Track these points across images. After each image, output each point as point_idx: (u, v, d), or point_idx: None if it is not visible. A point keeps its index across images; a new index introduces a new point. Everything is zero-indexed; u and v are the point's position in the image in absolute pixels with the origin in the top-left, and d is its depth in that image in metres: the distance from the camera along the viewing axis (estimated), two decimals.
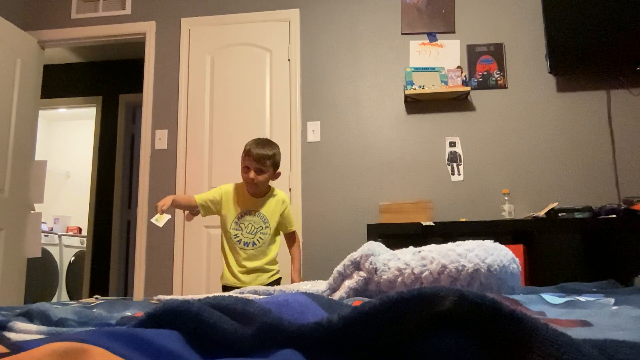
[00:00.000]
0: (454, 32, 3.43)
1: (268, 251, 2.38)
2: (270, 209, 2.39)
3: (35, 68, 3.80)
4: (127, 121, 5.31)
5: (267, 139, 2.43)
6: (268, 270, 2.37)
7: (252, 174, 2.27)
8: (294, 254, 2.48)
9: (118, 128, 5.25)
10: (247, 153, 2.30)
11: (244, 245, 2.33)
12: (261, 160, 2.27)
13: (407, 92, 3.29)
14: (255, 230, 2.35)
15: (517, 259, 1.20)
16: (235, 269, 2.33)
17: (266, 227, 2.37)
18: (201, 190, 3.42)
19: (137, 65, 4.12)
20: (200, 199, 2.35)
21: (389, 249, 1.27)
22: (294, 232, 2.50)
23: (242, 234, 2.34)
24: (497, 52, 3.36)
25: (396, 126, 3.39)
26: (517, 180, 3.21)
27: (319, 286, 1.33)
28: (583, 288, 1.33)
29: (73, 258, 5.58)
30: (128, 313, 1.04)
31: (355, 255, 1.24)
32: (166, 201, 2.20)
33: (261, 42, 3.59)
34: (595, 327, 0.67)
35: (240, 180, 2.38)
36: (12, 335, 0.67)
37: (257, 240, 2.35)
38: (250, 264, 2.33)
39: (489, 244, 1.18)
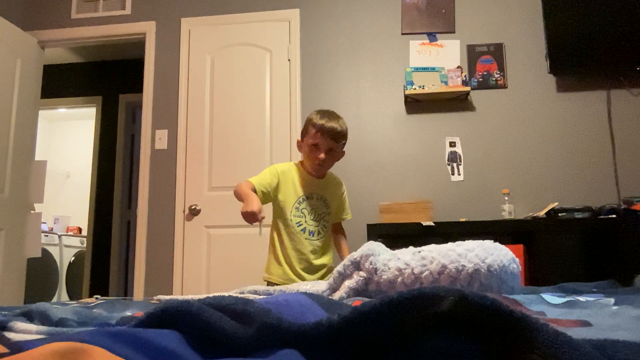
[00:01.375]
0: (454, 32, 3.43)
1: (330, 243, 2.06)
2: (331, 192, 2.08)
3: (35, 68, 3.80)
4: (127, 121, 5.31)
5: (331, 110, 2.03)
6: (332, 269, 2.01)
7: (322, 155, 1.93)
8: (345, 247, 2.17)
9: (118, 128, 5.25)
10: (319, 129, 1.92)
11: (309, 234, 1.98)
12: (336, 137, 1.94)
13: (407, 92, 3.29)
14: (319, 216, 2.02)
15: (517, 259, 1.20)
16: (298, 266, 1.96)
17: (328, 212, 2.06)
18: (201, 190, 3.43)
19: (137, 65, 4.12)
20: (260, 185, 1.93)
21: (389, 249, 1.27)
22: (340, 223, 2.20)
23: (305, 222, 1.99)
24: (497, 52, 3.36)
25: (396, 126, 3.39)
26: (517, 180, 3.21)
27: (319, 286, 1.33)
28: (583, 288, 1.33)
29: (73, 258, 5.58)
30: (128, 313, 1.04)
31: (355, 255, 1.24)
32: (259, 207, 1.76)
33: (261, 42, 3.59)
34: (595, 327, 0.67)
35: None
36: (12, 335, 0.67)
37: (322, 228, 2.02)
38: (317, 260, 1.99)
39: (489, 244, 1.18)
